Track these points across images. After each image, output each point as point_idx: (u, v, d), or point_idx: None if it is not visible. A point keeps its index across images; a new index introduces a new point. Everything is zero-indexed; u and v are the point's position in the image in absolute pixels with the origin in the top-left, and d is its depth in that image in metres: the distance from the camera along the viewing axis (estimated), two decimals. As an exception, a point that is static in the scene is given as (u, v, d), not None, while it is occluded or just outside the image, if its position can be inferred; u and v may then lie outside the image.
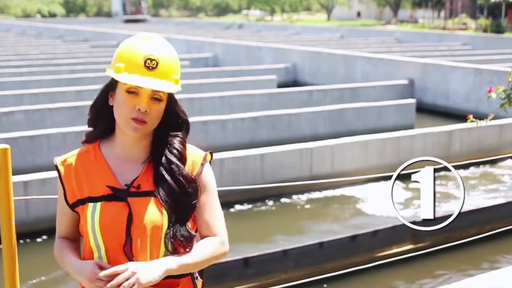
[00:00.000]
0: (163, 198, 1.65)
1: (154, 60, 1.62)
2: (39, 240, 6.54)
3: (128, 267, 1.57)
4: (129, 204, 1.64)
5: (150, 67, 1.62)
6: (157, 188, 1.66)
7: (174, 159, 1.68)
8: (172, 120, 1.71)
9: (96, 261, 1.63)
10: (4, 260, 2.10)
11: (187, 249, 1.67)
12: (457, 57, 18.23)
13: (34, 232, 6.50)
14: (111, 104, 1.68)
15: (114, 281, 1.55)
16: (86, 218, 1.66)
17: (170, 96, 1.69)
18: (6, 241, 2.08)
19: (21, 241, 6.16)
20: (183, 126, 1.74)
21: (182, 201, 1.67)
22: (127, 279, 1.55)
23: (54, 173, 6.53)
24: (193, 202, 1.69)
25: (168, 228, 1.65)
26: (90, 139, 1.75)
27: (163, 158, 1.68)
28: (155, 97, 1.64)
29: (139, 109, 1.62)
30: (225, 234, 1.76)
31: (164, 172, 1.66)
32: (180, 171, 1.68)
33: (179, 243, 1.66)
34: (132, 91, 1.63)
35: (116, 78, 1.63)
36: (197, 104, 11.84)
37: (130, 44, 1.66)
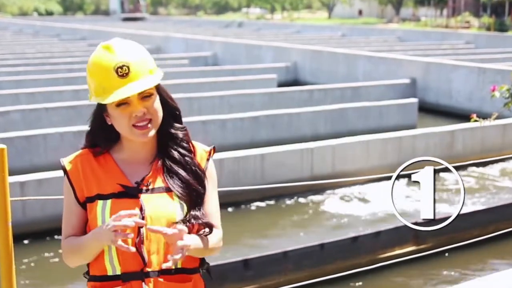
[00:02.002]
0: (179, 191, 1.68)
1: (124, 65, 1.62)
2: (36, 241, 6.46)
3: (178, 230, 1.58)
4: (141, 200, 1.66)
5: (124, 74, 1.62)
6: (171, 183, 1.69)
7: (186, 153, 1.73)
8: (166, 110, 1.72)
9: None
10: (1, 262, 2.08)
11: (208, 232, 1.71)
12: (460, 56, 18.17)
13: (31, 233, 6.43)
14: (109, 123, 1.70)
15: (169, 231, 1.55)
16: (96, 215, 1.67)
17: (157, 86, 1.71)
18: (3, 243, 2.07)
19: (18, 242, 6.08)
20: (175, 113, 1.75)
21: (197, 192, 1.71)
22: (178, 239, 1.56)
23: (51, 174, 6.52)
24: (205, 192, 1.73)
25: (183, 219, 1.67)
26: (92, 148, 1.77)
27: (175, 153, 1.72)
28: (144, 96, 1.66)
29: (136, 115, 1.64)
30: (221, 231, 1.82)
31: (177, 167, 1.70)
32: (194, 162, 1.73)
33: (200, 229, 1.69)
34: (122, 103, 1.64)
35: (102, 103, 1.64)
36: (196, 104, 11.78)
37: (95, 62, 1.66)
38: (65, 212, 1.75)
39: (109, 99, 1.61)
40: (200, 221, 1.69)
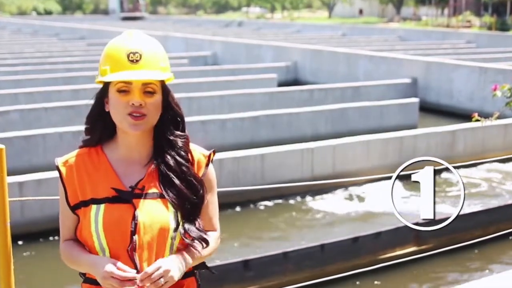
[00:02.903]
0: (173, 200, 1.65)
1: (137, 52, 1.63)
2: (35, 241, 6.43)
3: (160, 266, 1.57)
4: (134, 205, 1.64)
5: (134, 60, 1.63)
6: (165, 190, 1.66)
7: (183, 161, 1.69)
8: (168, 115, 1.70)
9: (113, 260, 1.61)
10: (-1, 263, 2.06)
11: (204, 247, 1.69)
12: (461, 56, 18.14)
13: (29, 233, 6.40)
14: (107, 110, 1.68)
15: (147, 283, 1.56)
16: (90, 220, 1.65)
17: (164, 89, 1.69)
18: (1, 244, 2.05)
19: (16, 243, 6.05)
20: (179, 120, 1.72)
21: (192, 201, 1.68)
22: (160, 277, 1.57)
23: (50, 174, 6.48)
24: (202, 201, 1.71)
25: (177, 228, 1.65)
26: (88, 144, 1.74)
27: (171, 160, 1.68)
28: (147, 90, 1.64)
29: (133, 103, 1.62)
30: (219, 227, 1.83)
31: (172, 175, 1.67)
32: (190, 172, 1.69)
33: (193, 241, 1.67)
34: (123, 90, 1.63)
35: (104, 80, 1.64)
36: (196, 104, 11.76)
37: (113, 44, 1.69)
38: (60, 213, 1.73)
39: (112, 77, 1.61)
40: (194, 235, 1.66)
